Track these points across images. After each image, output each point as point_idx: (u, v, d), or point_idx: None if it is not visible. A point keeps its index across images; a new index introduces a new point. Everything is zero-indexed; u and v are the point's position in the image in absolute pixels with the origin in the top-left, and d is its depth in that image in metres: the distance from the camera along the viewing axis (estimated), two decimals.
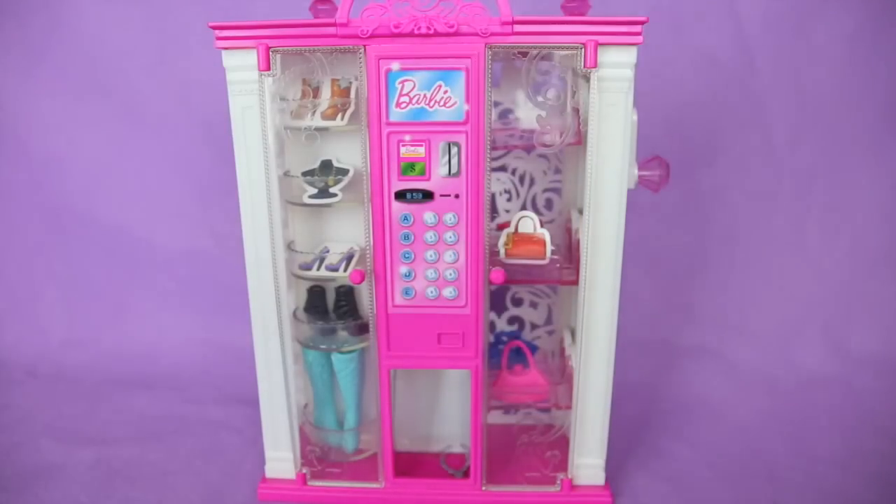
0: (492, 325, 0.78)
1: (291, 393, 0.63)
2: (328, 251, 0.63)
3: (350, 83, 0.60)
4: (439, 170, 0.54)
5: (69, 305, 1.03)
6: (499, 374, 0.66)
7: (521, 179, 0.74)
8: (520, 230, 0.62)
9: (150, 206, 1.01)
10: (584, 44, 0.52)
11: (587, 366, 0.61)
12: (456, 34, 0.52)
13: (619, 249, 0.57)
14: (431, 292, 0.57)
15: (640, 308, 0.98)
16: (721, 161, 0.97)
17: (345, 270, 0.60)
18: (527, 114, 0.64)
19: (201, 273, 1.02)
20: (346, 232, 0.65)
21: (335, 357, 0.64)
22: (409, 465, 0.66)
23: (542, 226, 0.61)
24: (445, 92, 0.52)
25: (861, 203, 0.97)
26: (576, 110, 0.59)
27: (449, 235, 0.56)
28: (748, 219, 0.99)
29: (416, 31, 0.51)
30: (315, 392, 0.67)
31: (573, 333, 0.66)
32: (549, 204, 0.74)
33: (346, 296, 0.65)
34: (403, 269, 0.57)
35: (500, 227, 0.63)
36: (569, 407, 0.63)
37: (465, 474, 0.65)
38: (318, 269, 0.61)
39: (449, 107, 0.53)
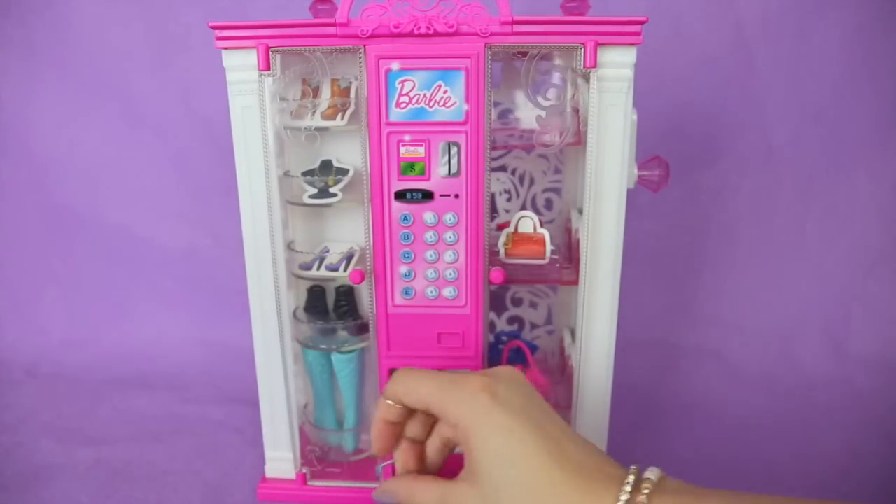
0: (492, 325, 0.78)
1: (291, 393, 0.63)
2: (328, 251, 0.63)
3: (350, 83, 0.60)
4: (439, 170, 0.54)
5: (69, 305, 1.03)
6: None
7: (521, 179, 0.74)
8: (520, 230, 0.61)
9: (150, 206, 1.01)
10: (583, 44, 0.52)
11: (587, 366, 0.61)
12: (456, 34, 0.51)
13: (618, 249, 0.57)
14: (431, 292, 0.57)
15: (640, 308, 0.98)
16: (721, 161, 0.97)
17: (345, 270, 0.60)
18: (527, 114, 0.64)
19: (201, 273, 1.02)
20: (346, 232, 0.65)
21: (335, 357, 0.64)
22: None
23: (542, 226, 0.61)
24: (445, 92, 0.52)
25: (861, 203, 0.97)
26: (576, 110, 0.59)
27: (449, 235, 0.56)
28: (748, 219, 0.99)
29: (415, 31, 0.51)
30: (315, 392, 0.67)
31: (573, 333, 0.65)
32: (549, 204, 0.74)
33: (346, 296, 0.65)
34: (403, 269, 0.57)
35: (500, 227, 0.63)
36: (568, 407, 0.63)
37: None
38: (318, 269, 0.61)
39: (449, 107, 0.53)
